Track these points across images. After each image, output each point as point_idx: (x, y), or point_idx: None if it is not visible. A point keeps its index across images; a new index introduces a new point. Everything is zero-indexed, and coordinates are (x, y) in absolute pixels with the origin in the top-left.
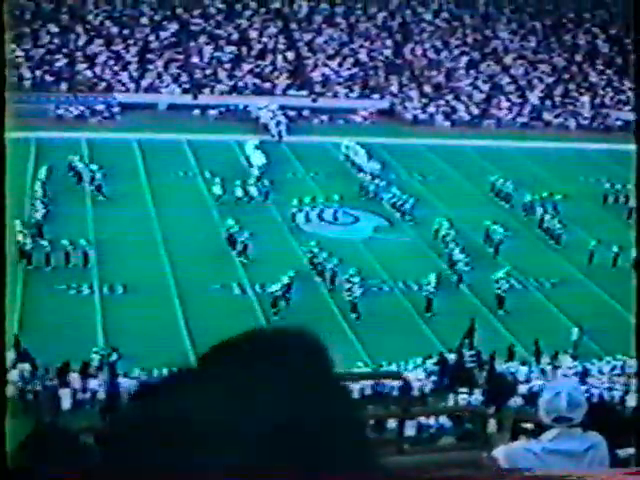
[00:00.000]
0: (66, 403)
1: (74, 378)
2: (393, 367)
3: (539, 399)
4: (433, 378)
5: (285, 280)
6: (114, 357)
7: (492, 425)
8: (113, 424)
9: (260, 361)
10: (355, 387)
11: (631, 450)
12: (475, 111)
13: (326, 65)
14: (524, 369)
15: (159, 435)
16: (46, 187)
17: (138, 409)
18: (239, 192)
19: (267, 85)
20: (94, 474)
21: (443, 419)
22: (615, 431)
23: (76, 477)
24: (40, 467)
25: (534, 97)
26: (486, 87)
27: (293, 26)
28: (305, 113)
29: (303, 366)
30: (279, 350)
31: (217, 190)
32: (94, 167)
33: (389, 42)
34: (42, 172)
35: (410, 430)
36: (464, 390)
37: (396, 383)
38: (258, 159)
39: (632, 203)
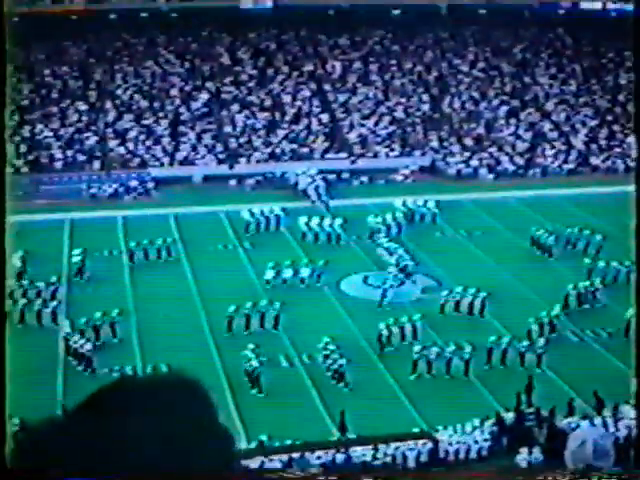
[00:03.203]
0: None
1: None
2: (449, 430)
3: (565, 450)
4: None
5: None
6: None
7: None
8: None
9: (138, 407)
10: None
11: None
12: (519, 161)
13: (363, 125)
14: (585, 424)
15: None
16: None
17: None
18: (288, 273)
19: (304, 150)
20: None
21: None
22: None
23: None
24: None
25: (579, 142)
26: (528, 135)
27: (327, 87)
28: (344, 176)
29: (185, 410)
30: (159, 396)
31: (269, 275)
32: (132, 245)
33: (426, 97)
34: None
35: None
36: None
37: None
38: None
39: None
